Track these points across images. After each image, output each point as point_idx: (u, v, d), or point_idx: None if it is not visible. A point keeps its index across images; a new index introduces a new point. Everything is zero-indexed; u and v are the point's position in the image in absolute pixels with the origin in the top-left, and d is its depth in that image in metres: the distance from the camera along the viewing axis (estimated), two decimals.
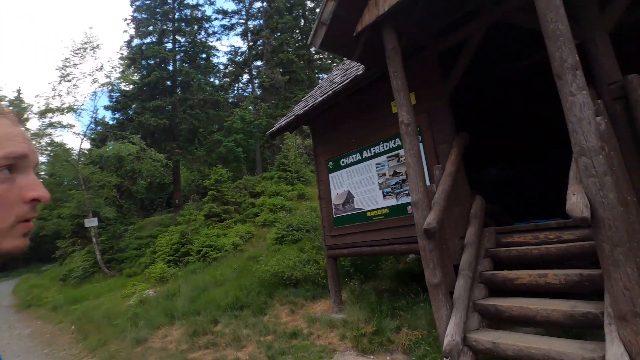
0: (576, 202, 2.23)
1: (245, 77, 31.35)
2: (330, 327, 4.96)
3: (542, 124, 5.61)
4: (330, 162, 5.90)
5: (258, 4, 29.93)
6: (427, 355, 3.57)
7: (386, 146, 4.98)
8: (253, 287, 7.63)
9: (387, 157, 4.96)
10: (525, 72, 5.17)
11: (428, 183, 4.10)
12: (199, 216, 15.42)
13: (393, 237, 4.77)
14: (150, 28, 23.49)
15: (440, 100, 4.29)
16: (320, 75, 33.02)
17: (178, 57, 23.83)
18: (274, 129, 6.30)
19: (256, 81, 29.13)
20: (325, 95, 5.19)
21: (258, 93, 28.37)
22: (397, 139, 4.82)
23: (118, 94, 22.35)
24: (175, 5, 24.54)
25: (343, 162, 5.66)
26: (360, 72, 4.59)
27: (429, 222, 3.09)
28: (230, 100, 29.14)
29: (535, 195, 5.61)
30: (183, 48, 24.58)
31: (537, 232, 3.45)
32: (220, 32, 30.65)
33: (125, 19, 24.31)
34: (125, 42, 25.76)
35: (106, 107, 22.90)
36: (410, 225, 4.56)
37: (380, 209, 5.01)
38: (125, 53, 23.49)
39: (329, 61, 33.00)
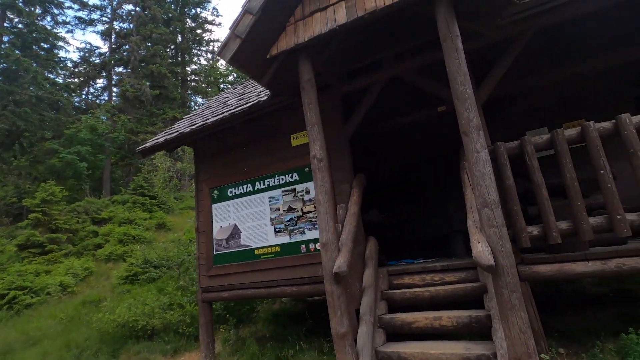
0: (482, 250, 2.39)
1: (101, 82, 26.89)
2: None
3: (413, 177, 6.41)
4: (215, 191, 5.23)
5: (129, 7, 26.78)
6: None
7: (282, 179, 4.71)
8: (89, 345, 5.88)
9: (283, 192, 4.68)
10: (407, 127, 5.87)
11: None
12: (8, 247, 11.53)
13: (283, 277, 4.39)
14: None
15: (340, 139, 4.35)
16: (194, 98, 31.21)
17: (7, 38, 18.63)
18: (147, 145, 5.25)
19: (116, 89, 25.25)
20: (221, 115, 4.65)
21: (116, 102, 24.47)
22: (295, 174, 4.63)
23: None
24: None
25: (231, 192, 5.08)
26: (265, 99, 4.30)
27: (340, 266, 2.89)
28: (76, 104, 24.17)
29: (403, 237, 6.22)
30: (16, 30, 19.44)
31: (424, 274, 3.67)
32: (74, 23, 25.88)
33: None
34: None
35: None
36: (303, 265, 4.31)
37: (271, 246, 4.60)
38: None
39: (205, 84, 31.68)
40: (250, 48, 3.36)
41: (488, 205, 2.50)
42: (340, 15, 3.18)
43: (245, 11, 3.21)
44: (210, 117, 4.99)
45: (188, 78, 30.39)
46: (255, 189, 4.89)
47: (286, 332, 5.16)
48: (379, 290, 3.59)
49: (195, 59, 31.60)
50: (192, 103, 30.79)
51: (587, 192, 3.31)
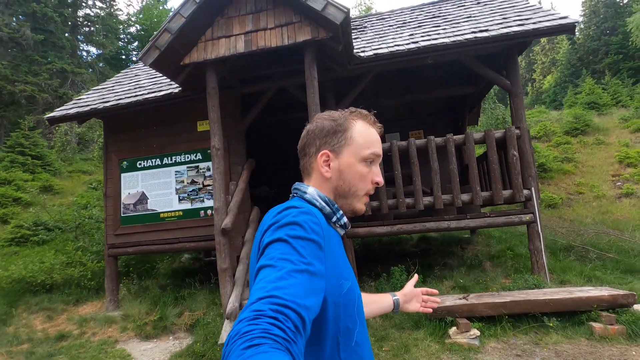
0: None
1: None
2: (108, 323, 5.07)
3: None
4: (125, 162, 5.96)
5: None
6: (205, 328, 4.51)
7: (187, 157, 5.75)
8: None
9: (187, 167, 5.73)
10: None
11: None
12: None
13: (184, 236, 5.55)
14: None
15: (239, 130, 5.59)
16: (86, 47, 27.67)
17: None
18: (56, 114, 5.62)
19: None
20: (134, 98, 5.41)
21: None
22: (199, 154, 5.71)
23: None
24: None
25: (140, 164, 5.90)
26: (176, 91, 5.23)
27: (226, 224, 4.24)
28: None
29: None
30: None
31: None
32: None
33: None
34: None
35: None
36: (201, 226, 5.52)
37: (175, 211, 5.67)
38: None
39: (102, 34, 28.23)
40: (167, 57, 4.32)
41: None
42: (240, 45, 4.37)
43: (165, 30, 4.14)
44: (123, 96, 5.65)
45: (78, 22, 26.71)
46: (163, 163, 5.82)
47: (183, 283, 6.30)
48: None
49: (90, 1, 27.77)
50: (84, 53, 27.45)
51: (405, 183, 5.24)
